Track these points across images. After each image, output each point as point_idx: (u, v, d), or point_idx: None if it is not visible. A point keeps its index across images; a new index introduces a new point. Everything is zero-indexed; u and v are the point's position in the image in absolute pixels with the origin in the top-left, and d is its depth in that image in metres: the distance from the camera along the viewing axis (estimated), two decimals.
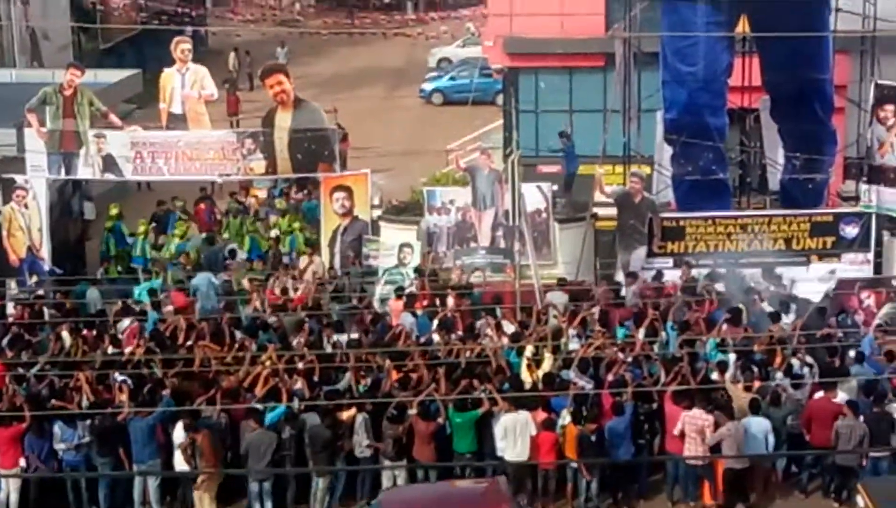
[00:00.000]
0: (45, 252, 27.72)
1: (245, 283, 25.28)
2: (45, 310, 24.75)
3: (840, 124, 28.22)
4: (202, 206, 30.74)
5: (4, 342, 22.42)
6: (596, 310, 23.13)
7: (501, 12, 31.78)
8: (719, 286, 25.06)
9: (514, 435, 19.18)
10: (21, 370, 20.76)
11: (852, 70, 28.63)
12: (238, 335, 22.11)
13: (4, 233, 27.72)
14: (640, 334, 21.75)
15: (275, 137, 28.77)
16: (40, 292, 26.20)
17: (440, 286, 25.23)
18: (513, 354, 21.23)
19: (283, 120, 29.12)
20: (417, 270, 26.11)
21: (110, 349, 21.97)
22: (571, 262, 26.75)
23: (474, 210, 27.36)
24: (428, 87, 53.32)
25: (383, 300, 25.40)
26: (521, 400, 19.29)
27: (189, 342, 21.56)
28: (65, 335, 22.31)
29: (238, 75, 51.24)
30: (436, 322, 22.96)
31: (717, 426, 19.03)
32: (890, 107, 27.12)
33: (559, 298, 24.30)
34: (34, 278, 27.25)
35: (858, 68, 28.33)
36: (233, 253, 27.52)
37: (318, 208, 29.16)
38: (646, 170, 28.60)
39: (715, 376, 20.06)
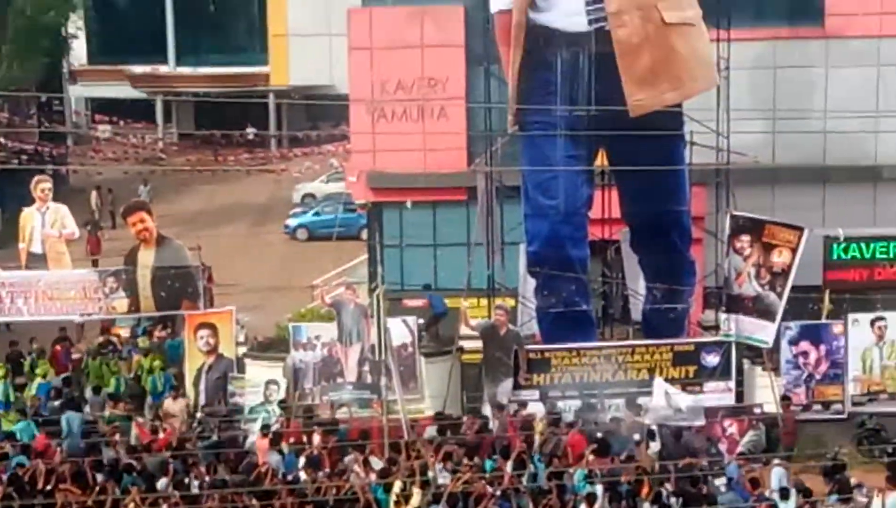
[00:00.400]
0: None
1: (106, 425, 24.71)
2: None
3: (698, 255, 28.69)
4: (58, 347, 29.75)
5: None
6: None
7: (364, 148, 31.86)
8: (586, 417, 25.19)
9: None
10: None
11: (708, 202, 29.17)
12: (100, 477, 21.45)
13: None
14: (508, 466, 21.59)
15: (138, 275, 28.36)
16: None
17: (307, 423, 24.80)
18: (381, 490, 20.75)
19: (146, 258, 28.75)
20: (283, 406, 25.76)
21: None
22: (438, 396, 26.60)
23: (340, 345, 27.14)
24: (292, 222, 52.95)
25: (249, 438, 24.84)
26: None
27: (49, 486, 20.83)
28: None
29: (100, 214, 50.53)
30: (303, 460, 22.46)
31: None
32: (746, 237, 27.72)
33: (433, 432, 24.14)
34: None
35: (714, 200, 28.89)
36: (97, 391, 26.84)
37: (183, 346, 28.71)
38: (510, 302, 28.73)
39: (584, 507, 19.98)
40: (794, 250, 27.21)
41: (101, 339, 30.51)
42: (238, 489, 20.66)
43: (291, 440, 23.60)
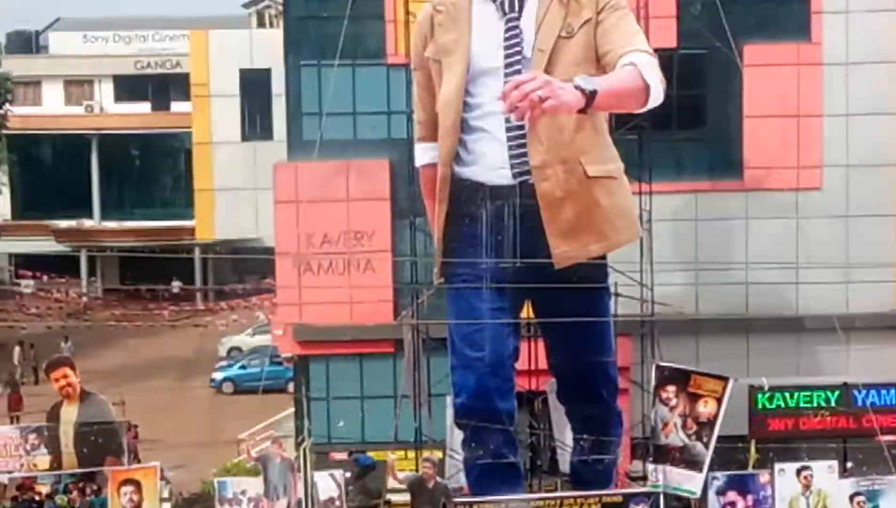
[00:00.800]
0: None
1: None
2: None
3: (625, 405, 28.74)
4: None
5: None
6: None
7: (291, 301, 31.92)
8: None
9: None
10: None
11: (634, 352, 29.44)
12: None
13: None
14: None
15: (60, 431, 28.05)
16: None
17: None
18: None
19: (69, 414, 28.43)
20: None
21: None
22: None
23: (266, 500, 26.84)
24: (218, 376, 53.25)
25: None
26: None
27: None
28: None
29: (23, 370, 50.25)
30: None
31: None
32: (671, 387, 27.77)
33: None
34: None
35: (640, 351, 29.18)
36: None
37: (107, 503, 28.19)
38: (438, 455, 28.57)
39: None
40: (719, 400, 27.43)
41: (14, 493, 29.97)
42: None
43: None
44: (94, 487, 29.94)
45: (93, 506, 29.06)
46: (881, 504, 27.37)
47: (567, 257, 26.14)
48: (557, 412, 29.03)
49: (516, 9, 26.05)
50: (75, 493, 30.47)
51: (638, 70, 24.61)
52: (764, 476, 27.63)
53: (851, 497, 27.11)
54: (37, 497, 30.36)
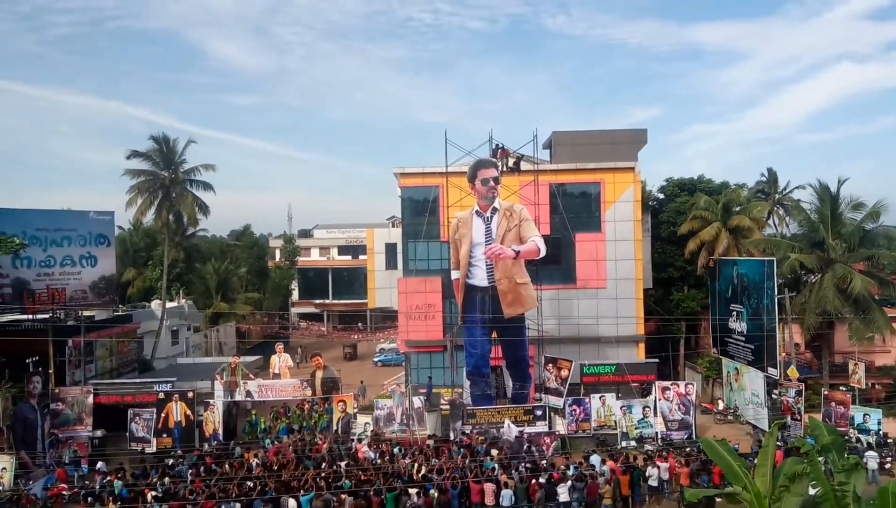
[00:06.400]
0: None
1: None
2: None
3: (532, 371, 27.84)
4: None
5: None
6: None
7: (404, 330, 31.39)
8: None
9: None
10: None
11: (535, 351, 28.69)
12: None
13: None
14: None
15: (315, 381, 26.86)
16: None
17: None
18: None
19: (318, 375, 27.24)
20: None
21: None
22: None
23: (394, 408, 25.51)
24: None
25: None
26: None
27: None
28: None
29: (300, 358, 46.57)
30: None
31: None
32: (549, 364, 27.19)
33: None
34: None
35: (538, 350, 28.52)
36: None
37: None
38: (459, 390, 27.55)
39: None
40: (569, 370, 26.92)
41: (279, 410, 25.76)
42: None
43: None
44: (326, 404, 28.35)
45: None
46: (633, 410, 26.54)
47: (509, 314, 25.82)
48: (506, 373, 28.39)
49: (489, 220, 26.30)
50: (321, 406, 28.63)
51: (536, 243, 24.61)
52: (587, 400, 26.90)
53: (622, 408, 26.33)
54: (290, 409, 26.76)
